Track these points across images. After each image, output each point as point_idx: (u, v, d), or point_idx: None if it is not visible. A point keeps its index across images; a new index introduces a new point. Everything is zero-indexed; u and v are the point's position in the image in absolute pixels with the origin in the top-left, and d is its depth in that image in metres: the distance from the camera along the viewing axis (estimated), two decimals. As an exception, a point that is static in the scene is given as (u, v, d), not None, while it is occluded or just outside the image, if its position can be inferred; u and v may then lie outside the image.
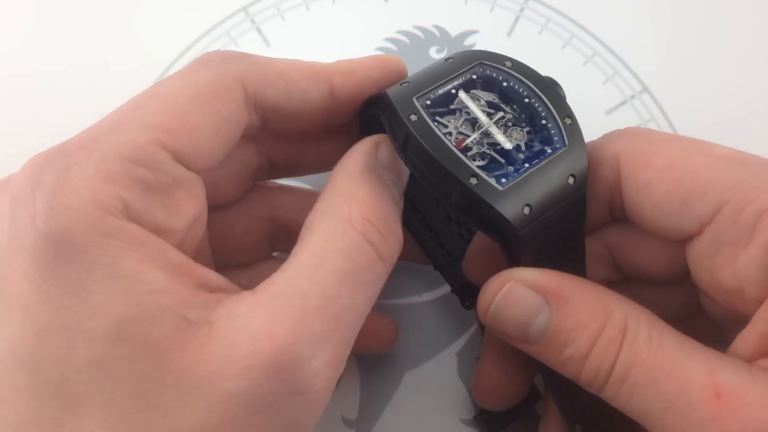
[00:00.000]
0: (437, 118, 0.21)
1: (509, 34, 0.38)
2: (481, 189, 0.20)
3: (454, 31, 0.38)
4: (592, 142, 0.23)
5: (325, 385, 0.19)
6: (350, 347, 0.20)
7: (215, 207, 0.25)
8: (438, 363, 0.29)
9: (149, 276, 0.18)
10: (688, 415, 0.18)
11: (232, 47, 0.37)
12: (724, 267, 0.20)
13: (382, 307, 0.30)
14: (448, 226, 0.29)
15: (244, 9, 0.39)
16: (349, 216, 0.20)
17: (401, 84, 0.22)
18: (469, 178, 0.20)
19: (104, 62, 0.37)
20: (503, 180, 0.20)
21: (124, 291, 0.18)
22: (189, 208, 0.20)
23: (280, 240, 0.28)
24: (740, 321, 0.20)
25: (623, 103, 0.36)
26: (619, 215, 0.22)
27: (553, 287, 0.20)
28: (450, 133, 0.21)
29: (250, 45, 0.38)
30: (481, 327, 0.28)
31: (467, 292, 0.28)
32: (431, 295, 0.30)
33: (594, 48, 0.38)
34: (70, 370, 0.17)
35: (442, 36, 0.38)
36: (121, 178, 0.18)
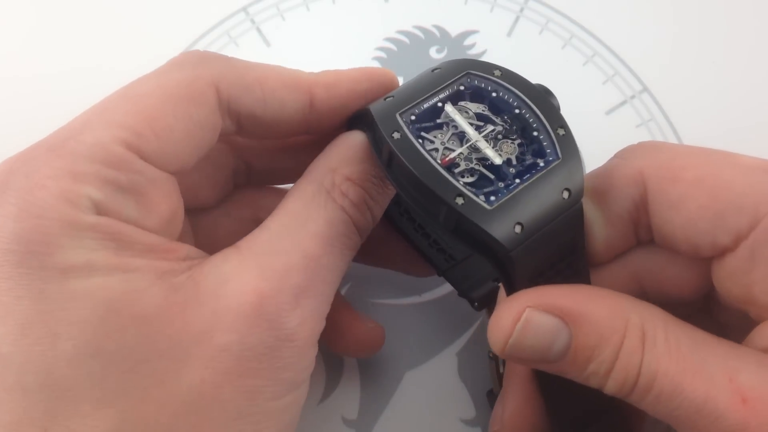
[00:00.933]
0: (423, 133, 0.20)
1: (509, 34, 0.38)
2: (467, 209, 0.19)
3: (454, 31, 0.38)
4: (607, 163, 0.22)
5: (309, 334, 0.20)
6: (329, 305, 0.21)
7: (198, 209, 0.25)
8: (438, 363, 0.29)
9: (129, 260, 0.18)
10: (716, 422, 0.18)
11: (232, 47, 0.37)
12: (761, 282, 0.19)
13: (382, 307, 0.30)
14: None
15: (244, 9, 0.39)
16: (332, 187, 0.21)
17: (385, 98, 0.22)
18: (455, 198, 0.19)
19: (104, 62, 0.37)
20: (492, 198, 0.19)
21: (106, 273, 0.18)
22: (163, 206, 0.20)
23: None
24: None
25: (623, 103, 0.36)
26: (645, 237, 0.21)
27: (569, 306, 0.19)
28: (436, 150, 0.20)
29: (250, 45, 0.38)
30: (494, 359, 0.28)
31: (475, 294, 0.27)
32: (431, 295, 0.30)
33: (594, 48, 0.38)
34: (57, 358, 0.17)
35: (442, 36, 0.38)
36: (90, 178, 0.18)
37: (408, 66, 0.37)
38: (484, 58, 0.37)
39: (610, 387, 0.19)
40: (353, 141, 0.22)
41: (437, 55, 0.37)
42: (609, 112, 0.36)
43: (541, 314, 0.19)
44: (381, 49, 0.37)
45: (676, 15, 0.39)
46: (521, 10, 0.39)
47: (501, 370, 0.27)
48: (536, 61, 0.37)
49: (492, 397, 0.28)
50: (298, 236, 0.20)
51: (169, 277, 0.19)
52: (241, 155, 0.26)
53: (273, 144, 0.26)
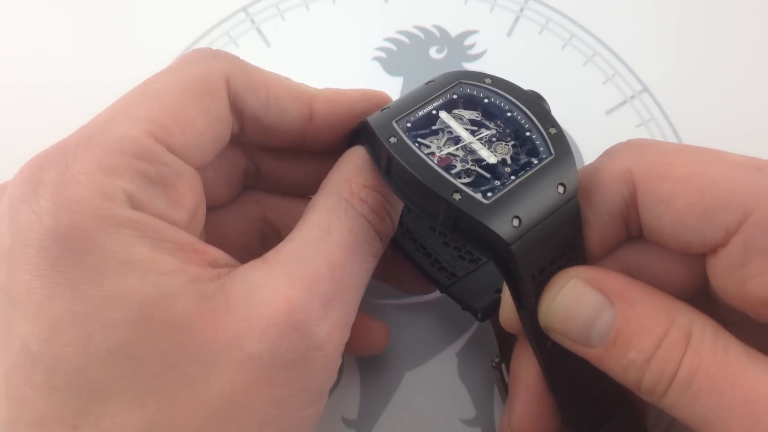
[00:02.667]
0: (419, 139, 0.21)
1: (509, 34, 0.38)
2: (465, 204, 0.19)
3: (454, 31, 0.38)
4: (596, 161, 0.22)
5: (338, 343, 0.20)
6: (355, 312, 0.21)
7: (209, 207, 0.25)
8: (438, 363, 0.29)
9: (162, 259, 0.18)
10: (753, 425, 0.17)
11: (232, 47, 0.37)
12: (755, 276, 0.19)
13: (382, 307, 0.30)
14: (448, 251, 0.29)
15: (244, 9, 0.39)
16: (350, 196, 0.22)
17: (382, 110, 0.22)
18: (452, 195, 0.19)
19: (104, 62, 0.37)
20: (489, 194, 0.20)
21: (141, 275, 0.18)
22: (190, 199, 0.20)
23: (271, 241, 0.28)
24: (763, 332, 0.19)
25: (623, 103, 0.36)
26: (635, 233, 0.22)
27: (616, 287, 0.19)
28: (433, 153, 0.21)
29: (250, 45, 0.38)
30: (498, 368, 0.28)
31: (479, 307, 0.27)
32: (431, 295, 0.30)
33: (594, 48, 0.38)
34: (88, 359, 0.17)
35: (442, 36, 0.38)
36: (122, 171, 0.19)
37: (408, 66, 0.37)
38: (484, 58, 0.37)
39: (648, 381, 0.19)
40: (361, 152, 0.23)
41: (437, 55, 0.37)
42: (609, 112, 0.36)
43: (587, 288, 0.20)
44: (381, 49, 0.37)
45: (676, 15, 0.39)
46: (521, 10, 0.39)
47: (507, 380, 0.27)
48: (536, 61, 0.37)
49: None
50: (323, 245, 0.21)
51: (200, 284, 0.19)
52: (251, 157, 0.27)
53: (281, 149, 0.27)
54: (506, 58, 0.37)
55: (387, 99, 0.24)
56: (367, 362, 0.29)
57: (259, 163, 0.27)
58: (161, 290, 0.18)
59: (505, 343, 0.27)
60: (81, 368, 0.17)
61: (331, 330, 0.20)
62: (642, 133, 0.35)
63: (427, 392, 0.29)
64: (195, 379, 0.18)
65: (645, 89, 0.37)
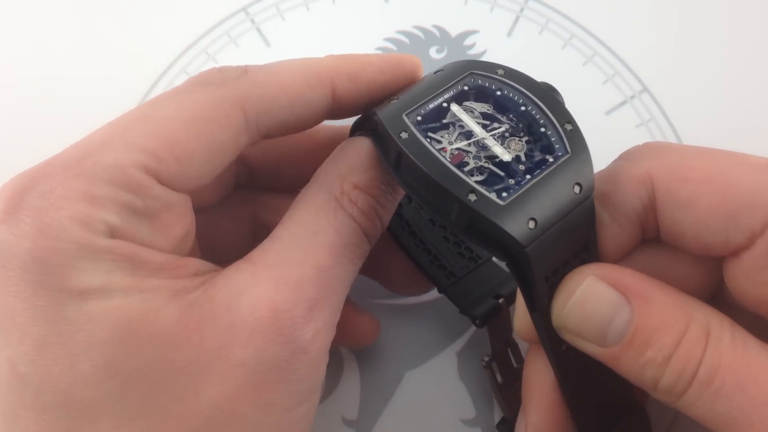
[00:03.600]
0: (430, 134, 0.20)
1: (509, 34, 0.38)
2: (480, 205, 0.19)
3: (454, 31, 0.38)
4: (613, 164, 0.22)
5: (323, 344, 0.20)
6: (340, 311, 0.21)
7: (198, 210, 0.25)
8: (438, 363, 0.29)
9: (143, 279, 0.18)
10: None
11: (232, 47, 0.37)
12: None
13: (382, 307, 0.30)
14: (447, 246, 0.28)
15: (244, 9, 0.39)
16: (340, 195, 0.21)
17: (390, 101, 0.21)
18: (467, 195, 0.19)
19: (104, 62, 0.37)
20: (504, 194, 0.19)
21: (124, 294, 0.18)
22: (177, 229, 0.20)
23: (262, 240, 0.28)
24: None
25: (623, 103, 0.36)
26: (651, 235, 0.21)
27: (633, 285, 0.19)
28: (444, 149, 0.20)
29: (250, 45, 0.38)
30: (488, 367, 0.27)
31: (476, 311, 0.27)
32: (431, 295, 0.30)
33: (594, 48, 0.38)
34: (75, 378, 0.17)
35: (442, 36, 0.38)
36: (107, 202, 0.18)
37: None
38: (484, 58, 0.37)
39: (667, 380, 0.18)
40: (360, 147, 0.22)
41: (437, 56, 0.37)
42: (609, 112, 0.36)
43: (604, 286, 0.19)
44: (381, 49, 0.37)
45: (676, 15, 0.39)
46: (521, 10, 0.39)
47: (499, 379, 0.27)
48: (536, 61, 0.37)
49: (504, 427, 0.27)
50: (310, 247, 0.20)
51: (184, 295, 0.19)
52: (244, 159, 0.26)
53: (275, 152, 0.26)
54: (506, 58, 0.37)
55: (414, 64, 0.23)
56: (367, 362, 0.29)
57: (252, 162, 0.26)
58: (145, 305, 0.18)
59: (497, 341, 0.27)
60: (68, 387, 0.17)
61: (317, 332, 0.20)
62: (642, 133, 0.35)
63: (427, 392, 0.29)
64: (183, 391, 0.18)
65: (645, 89, 0.37)
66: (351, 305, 0.27)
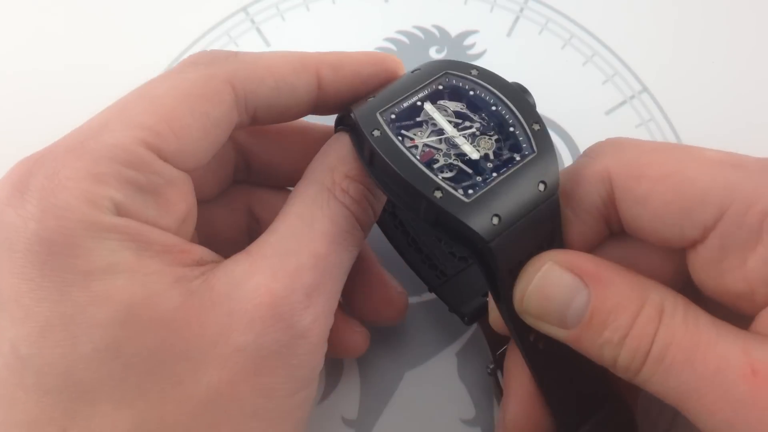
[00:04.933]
0: (403, 131, 0.21)
1: (509, 34, 0.38)
2: (446, 202, 0.19)
3: (454, 31, 0.38)
4: (576, 161, 0.23)
5: (322, 330, 0.21)
6: (337, 300, 0.22)
7: (199, 201, 0.25)
8: (438, 363, 0.29)
9: (148, 261, 0.19)
10: (725, 393, 0.18)
11: (232, 47, 0.37)
12: (732, 271, 0.19)
13: (382, 307, 0.30)
14: (439, 246, 0.29)
15: (244, 9, 0.39)
16: (332, 185, 0.22)
17: (367, 99, 0.22)
18: (433, 192, 0.19)
19: (104, 62, 0.37)
20: (470, 191, 0.20)
21: (127, 277, 0.18)
22: (180, 206, 0.21)
23: (256, 235, 0.28)
24: (743, 325, 0.20)
25: (623, 103, 0.36)
26: (617, 229, 0.22)
27: (590, 269, 0.20)
28: (416, 147, 0.21)
29: (250, 45, 0.38)
30: (493, 374, 0.28)
31: (465, 310, 0.27)
32: (431, 295, 0.30)
33: (594, 48, 0.38)
34: (76, 360, 0.18)
35: (442, 36, 0.38)
36: (111, 179, 0.19)
37: (408, 66, 0.36)
38: (484, 58, 0.37)
39: (623, 358, 0.19)
40: (346, 141, 0.23)
41: (437, 55, 0.37)
42: (609, 112, 0.36)
43: (562, 270, 0.20)
44: (381, 49, 0.37)
45: (676, 15, 0.39)
46: (521, 10, 0.39)
47: (503, 386, 0.27)
48: (536, 61, 0.37)
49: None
50: (306, 237, 0.21)
51: (185, 282, 0.19)
52: (242, 151, 0.27)
53: (272, 142, 0.27)
54: (506, 58, 0.37)
55: (396, 64, 0.24)
56: (367, 362, 0.29)
57: (251, 156, 0.27)
58: (147, 289, 0.18)
59: (497, 348, 0.27)
60: (69, 370, 0.18)
61: (315, 318, 0.20)
62: (642, 133, 0.35)
63: (427, 392, 0.29)
64: (182, 376, 0.18)
65: (645, 89, 0.37)
66: (341, 315, 0.27)
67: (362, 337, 0.27)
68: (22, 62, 0.37)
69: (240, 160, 0.27)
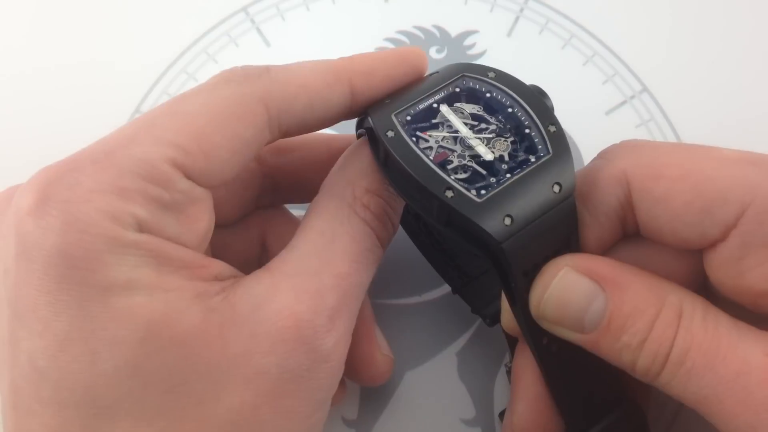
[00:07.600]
0: (418, 133, 0.21)
1: (509, 34, 0.38)
2: (457, 202, 0.19)
3: (454, 31, 0.38)
4: (591, 163, 0.22)
5: (342, 352, 0.21)
6: (355, 320, 0.22)
7: (218, 225, 0.25)
8: (438, 363, 0.29)
9: (168, 278, 0.18)
10: (747, 397, 0.18)
11: (232, 47, 0.37)
12: (753, 269, 0.19)
13: (382, 306, 0.30)
14: (462, 247, 0.29)
15: (244, 9, 0.39)
16: (353, 201, 0.21)
17: (384, 102, 0.22)
18: (444, 192, 0.19)
19: (104, 62, 0.37)
20: (483, 192, 0.20)
21: (147, 293, 0.18)
22: (201, 222, 0.20)
23: (265, 260, 0.28)
24: (762, 324, 0.20)
25: (623, 103, 0.36)
26: (632, 231, 0.22)
27: (607, 273, 0.20)
28: (430, 148, 0.21)
29: (250, 45, 0.38)
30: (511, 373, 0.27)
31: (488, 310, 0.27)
32: (431, 295, 0.30)
33: (594, 48, 0.38)
34: (95, 376, 0.17)
35: (442, 36, 0.38)
36: (135, 195, 0.18)
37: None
38: (484, 58, 0.37)
39: (642, 362, 0.19)
40: (364, 152, 0.22)
41: (437, 56, 0.37)
42: (609, 112, 0.36)
43: (579, 275, 0.20)
44: (381, 49, 0.37)
45: (676, 15, 0.39)
46: (521, 10, 0.39)
47: None
48: (536, 62, 0.37)
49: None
50: (327, 255, 0.21)
51: (205, 297, 0.19)
52: (270, 174, 0.26)
53: (301, 162, 0.26)
54: (506, 58, 0.37)
55: (421, 58, 0.24)
56: (367, 362, 0.29)
57: (280, 177, 0.26)
58: (168, 306, 0.18)
59: (511, 339, 0.27)
60: (88, 385, 0.17)
61: (337, 341, 0.20)
62: (642, 133, 0.35)
63: (427, 392, 0.29)
64: (203, 395, 0.18)
65: (645, 89, 0.37)
66: (367, 340, 0.26)
67: (386, 364, 0.26)
68: (22, 62, 0.36)
69: (267, 183, 0.26)
